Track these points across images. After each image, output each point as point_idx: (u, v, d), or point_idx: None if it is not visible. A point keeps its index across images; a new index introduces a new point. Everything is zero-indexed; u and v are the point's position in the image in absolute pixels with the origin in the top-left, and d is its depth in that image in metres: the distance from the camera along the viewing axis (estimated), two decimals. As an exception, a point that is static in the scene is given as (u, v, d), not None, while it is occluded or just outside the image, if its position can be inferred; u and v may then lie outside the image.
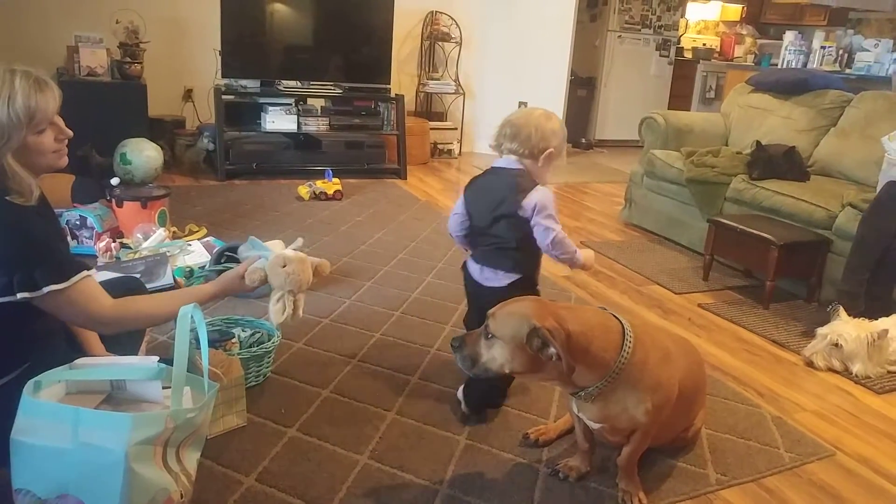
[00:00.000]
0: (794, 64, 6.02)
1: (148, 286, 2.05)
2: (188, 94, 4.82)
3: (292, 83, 4.58)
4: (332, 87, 4.69)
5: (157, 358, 1.41)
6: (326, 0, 4.72)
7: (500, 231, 1.81)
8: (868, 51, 5.80)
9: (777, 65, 6.36)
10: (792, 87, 4.00)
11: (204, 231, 3.17)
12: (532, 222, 1.78)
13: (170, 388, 1.31)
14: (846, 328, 2.37)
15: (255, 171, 4.48)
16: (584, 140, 6.75)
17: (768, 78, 4.27)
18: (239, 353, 1.90)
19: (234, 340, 2.04)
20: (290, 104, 4.56)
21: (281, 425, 1.78)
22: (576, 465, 1.66)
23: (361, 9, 4.79)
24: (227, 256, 2.61)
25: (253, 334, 2.10)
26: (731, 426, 1.96)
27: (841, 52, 5.96)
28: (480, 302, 1.79)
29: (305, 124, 4.60)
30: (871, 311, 2.60)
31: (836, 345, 2.36)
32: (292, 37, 4.65)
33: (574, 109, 6.34)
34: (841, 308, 2.47)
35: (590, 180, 5.34)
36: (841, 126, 3.67)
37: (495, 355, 1.38)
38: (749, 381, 2.27)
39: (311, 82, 4.65)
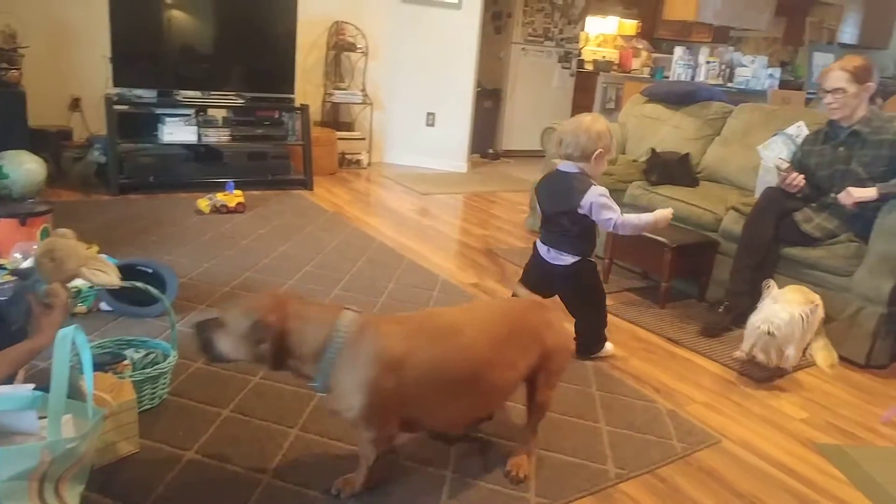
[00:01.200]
0: (683, 77, 6.38)
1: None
2: (76, 104, 4.55)
3: (191, 93, 4.42)
4: (234, 98, 4.56)
5: (33, 386, 1.32)
6: (226, 8, 4.59)
7: (563, 222, 2.28)
8: (746, 66, 6.25)
9: (669, 77, 6.73)
10: (681, 98, 4.24)
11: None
12: (594, 219, 2.23)
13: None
14: (778, 314, 2.33)
15: (153, 184, 4.28)
16: (490, 150, 6.88)
17: (660, 90, 4.50)
18: (131, 376, 1.81)
19: (126, 362, 1.94)
20: (190, 115, 4.40)
21: (178, 448, 1.71)
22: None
23: (263, 17, 4.69)
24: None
25: (147, 355, 2.01)
26: (629, 422, 2.04)
27: (723, 66, 6.39)
28: (549, 278, 2.36)
29: (206, 135, 4.44)
30: (755, 307, 2.79)
31: (770, 333, 2.33)
32: (190, 45, 4.49)
33: (481, 120, 6.45)
34: (773, 283, 2.50)
35: (497, 189, 5.44)
36: (724, 135, 3.92)
37: (226, 343, 1.46)
38: (647, 378, 2.38)
39: (212, 92, 4.50)
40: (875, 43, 8.04)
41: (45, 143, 4.13)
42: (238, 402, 1.95)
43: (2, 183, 3.40)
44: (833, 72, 2.75)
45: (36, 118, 4.02)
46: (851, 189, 2.68)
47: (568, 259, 2.32)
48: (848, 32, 8.06)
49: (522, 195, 5.04)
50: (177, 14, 4.35)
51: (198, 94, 4.44)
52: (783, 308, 2.36)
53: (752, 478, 1.84)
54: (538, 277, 2.38)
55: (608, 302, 3.03)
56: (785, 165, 2.90)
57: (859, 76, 2.70)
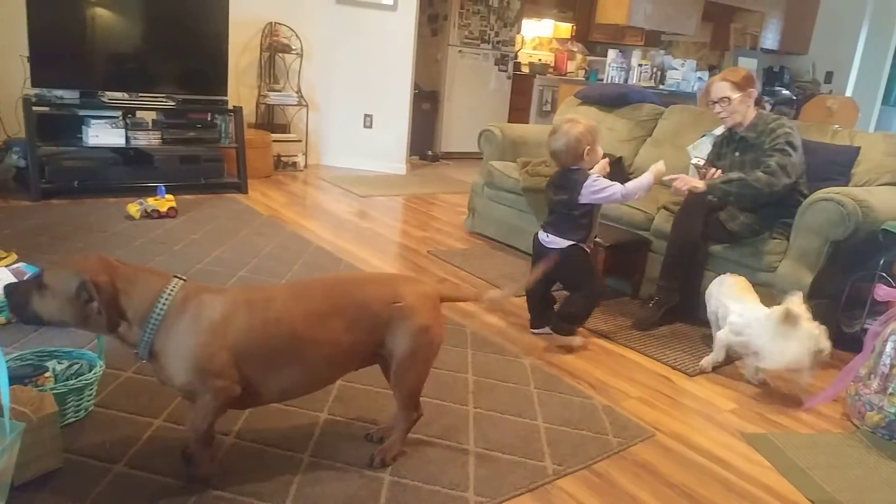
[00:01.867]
0: (616, 79, 6.56)
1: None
2: (-8, 105, 4.33)
3: (118, 95, 4.26)
4: (165, 99, 4.42)
5: (-57, 401, 1.25)
6: (155, 6, 4.43)
7: (562, 210, 2.57)
8: (677, 69, 6.47)
9: (603, 80, 6.90)
10: (613, 100, 4.35)
11: (14, 256, 2.85)
12: (599, 201, 2.55)
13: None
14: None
15: (78, 189, 4.10)
16: (430, 152, 6.90)
17: (593, 92, 4.61)
18: (53, 388, 1.73)
19: (47, 374, 1.85)
20: (117, 117, 4.24)
21: (106, 462, 1.64)
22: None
23: (194, 17, 4.57)
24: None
25: (70, 366, 1.92)
26: (566, 419, 2.08)
27: (655, 69, 6.59)
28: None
29: (135, 138, 4.28)
30: (684, 303, 2.89)
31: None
32: (116, 45, 4.32)
33: (419, 122, 6.46)
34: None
35: (436, 191, 5.46)
36: (655, 136, 4.04)
37: (46, 304, 1.44)
38: (582, 375, 2.42)
39: (140, 94, 4.35)
40: (795, 48, 8.46)
41: (-43, 146, 3.91)
42: (171, 411, 1.88)
43: None
44: (716, 83, 2.94)
45: (-53, 120, 3.80)
46: (685, 177, 2.94)
47: (561, 243, 2.55)
48: (770, 38, 8.45)
49: (461, 197, 5.06)
50: (101, 12, 4.18)
51: (125, 95, 4.28)
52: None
53: (684, 469, 1.91)
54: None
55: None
56: (702, 163, 3.04)
57: (740, 84, 2.88)
